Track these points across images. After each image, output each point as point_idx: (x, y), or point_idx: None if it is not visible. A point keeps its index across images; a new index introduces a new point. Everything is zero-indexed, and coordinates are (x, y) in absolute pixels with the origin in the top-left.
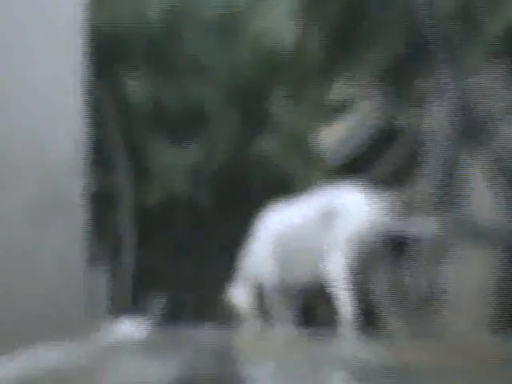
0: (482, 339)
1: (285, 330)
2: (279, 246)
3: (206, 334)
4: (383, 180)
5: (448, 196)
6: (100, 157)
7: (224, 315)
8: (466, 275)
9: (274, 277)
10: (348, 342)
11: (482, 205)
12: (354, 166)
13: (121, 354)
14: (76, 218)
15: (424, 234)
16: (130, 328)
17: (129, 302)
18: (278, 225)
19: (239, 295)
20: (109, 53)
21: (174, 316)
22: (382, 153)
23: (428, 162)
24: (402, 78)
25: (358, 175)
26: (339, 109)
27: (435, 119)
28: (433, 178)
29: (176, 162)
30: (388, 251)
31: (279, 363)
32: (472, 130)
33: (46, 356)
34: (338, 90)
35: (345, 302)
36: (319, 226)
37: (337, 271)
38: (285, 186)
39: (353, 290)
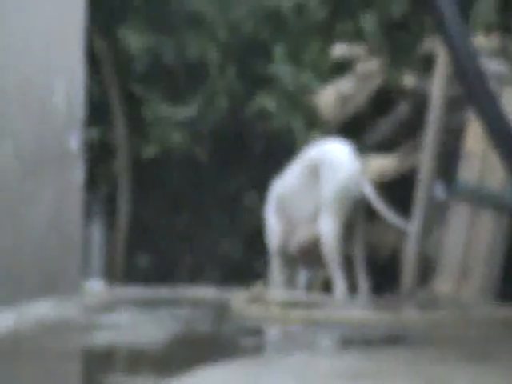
0: (486, 307)
1: (288, 293)
2: (280, 207)
3: (200, 292)
4: (382, 142)
5: (453, 161)
6: (98, 110)
7: None
8: (471, 241)
9: (279, 237)
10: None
11: (484, 167)
12: (354, 127)
13: (114, 310)
14: (72, 170)
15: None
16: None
17: (122, 261)
18: (277, 187)
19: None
20: (108, 7)
21: (168, 274)
22: (382, 115)
23: (431, 126)
24: (405, 38)
25: (357, 136)
26: (340, 68)
27: (441, 82)
28: (436, 142)
29: (173, 117)
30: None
31: (273, 323)
32: (478, 94)
33: (38, 309)
34: (339, 49)
35: (336, 274)
36: (309, 183)
37: (328, 239)
38: (283, 143)
39: (342, 259)
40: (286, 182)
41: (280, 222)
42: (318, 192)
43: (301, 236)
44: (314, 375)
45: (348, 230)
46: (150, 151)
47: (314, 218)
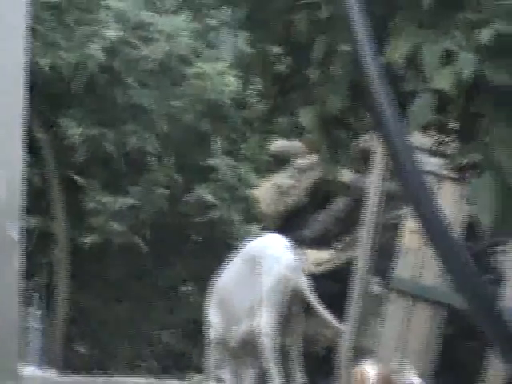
0: None
1: None
2: (220, 299)
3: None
4: (320, 236)
5: (388, 256)
6: (38, 199)
7: None
8: (409, 332)
9: (218, 329)
10: None
11: (418, 263)
12: (292, 220)
13: None
14: (11, 258)
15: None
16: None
17: (61, 348)
18: (219, 279)
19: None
20: (49, 95)
21: (107, 363)
22: (320, 209)
23: (367, 221)
24: (343, 134)
25: (296, 229)
26: (278, 163)
27: (377, 178)
28: (371, 237)
29: (113, 206)
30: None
31: None
32: (414, 190)
33: None
34: (278, 145)
35: (272, 368)
36: (249, 277)
37: (265, 331)
38: (222, 235)
39: (279, 352)
40: (226, 275)
41: (220, 314)
42: (258, 285)
43: (242, 329)
44: None
45: (284, 323)
46: (89, 240)
47: (253, 311)
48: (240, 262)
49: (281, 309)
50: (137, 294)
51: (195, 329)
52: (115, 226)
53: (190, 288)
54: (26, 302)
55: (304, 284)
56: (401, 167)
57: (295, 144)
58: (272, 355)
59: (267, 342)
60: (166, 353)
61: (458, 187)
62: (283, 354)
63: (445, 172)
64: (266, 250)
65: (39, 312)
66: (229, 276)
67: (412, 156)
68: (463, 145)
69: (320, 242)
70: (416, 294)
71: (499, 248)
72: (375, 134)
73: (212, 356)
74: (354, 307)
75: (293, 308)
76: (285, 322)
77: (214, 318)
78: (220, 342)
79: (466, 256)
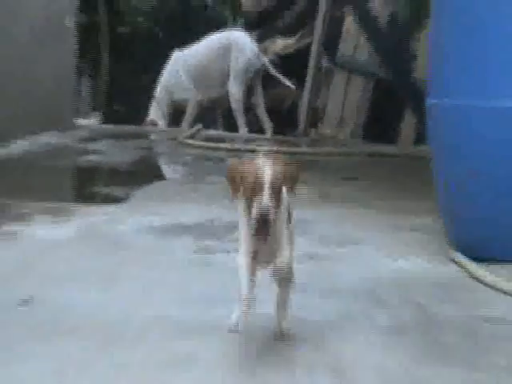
0: (356, 144)
1: (214, 131)
2: (192, 70)
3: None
4: (286, 28)
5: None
6: (86, 1)
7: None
8: (346, 98)
9: (194, 93)
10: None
11: (356, 44)
12: (266, 16)
13: (97, 141)
14: (69, 41)
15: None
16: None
17: (103, 107)
18: (189, 56)
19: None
20: None
21: (135, 118)
22: (287, 8)
23: (320, 16)
24: None
25: (269, 23)
26: None
27: None
28: (324, 27)
29: (140, 6)
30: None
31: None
32: None
33: (44, 139)
34: None
35: (240, 120)
36: (220, 54)
37: (235, 96)
38: (215, 25)
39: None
40: (200, 53)
41: (193, 81)
42: (227, 64)
43: (212, 93)
44: None
45: (251, 90)
46: (123, 30)
47: (222, 82)
48: (213, 46)
49: (246, 80)
50: (157, 68)
51: None
52: (142, 19)
53: None
54: (79, 73)
55: (266, 63)
56: None
57: None
58: (240, 111)
59: (236, 104)
60: None
61: None
62: (253, 112)
63: None
64: (236, 41)
65: (88, 80)
66: (202, 55)
67: None
68: None
69: (288, 32)
70: (353, 68)
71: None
72: None
73: (191, 112)
74: (309, 78)
75: (256, 79)
76: (251, 89)
77: (188, 84)
78: (198, 103)
79: (390, 40)
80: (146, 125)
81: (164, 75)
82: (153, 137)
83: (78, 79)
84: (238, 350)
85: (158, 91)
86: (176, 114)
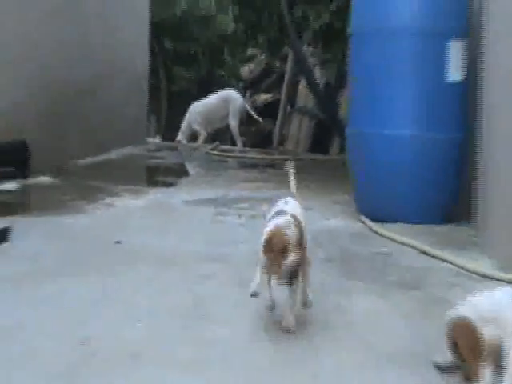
0: (304, 154)
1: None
2: (205, 116)
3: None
4: (266, 88)
5: (293, 96)
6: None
7: None
8: (300, 129)
9: (204, 128)
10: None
11: (306, 99)
12: (255, 81)
13: (160, 151)
14: (143, 96)
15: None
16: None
17: (162, 131)
18: (201, 105)
19: (180, 137)
20: None
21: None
22: (267, 77)
23: (286, 83)
24: (277, 45)
25: (255, 86)
26: (249, 59)
27: (289, 64)
28: (288, 88)
29: (185, 74)
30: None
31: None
32: (303, 68)
33: (127, 150)
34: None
35: (238, 140)
36: (222, 104)
37: (234, 129)
38: (224, 86)
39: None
40: (208, 103)
41: (201, 119)
42: (227, 109)
43: (215, 126)
44: (237, 179)
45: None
46: (174, 89)
47: (224, 120)
48: (217, 98)
49: (240, 118)
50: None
51: None
52: (184, 83)
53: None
54: (149, 113)
55: (248, 108)
56: (298, 58)
57: (256, 51)
58: (237, 135)
59: (234, 131)
60: None
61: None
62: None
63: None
64: (232, 95)
65: (154, 117)
66: (209, 104)
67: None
68: None
69: (267, 91)
70: (304, 112)
71: (340, 93)
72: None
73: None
74: (279, 117)
75: (243, 118)
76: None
77: (202, 125)
78: (205, 131)
79: (325, 95)
80: (176, 143)
81: (187, 116)
82: (180, 148)
83: (148, 116)
84: (241, 275)
85: (183, 125)
86: (193, 136)
